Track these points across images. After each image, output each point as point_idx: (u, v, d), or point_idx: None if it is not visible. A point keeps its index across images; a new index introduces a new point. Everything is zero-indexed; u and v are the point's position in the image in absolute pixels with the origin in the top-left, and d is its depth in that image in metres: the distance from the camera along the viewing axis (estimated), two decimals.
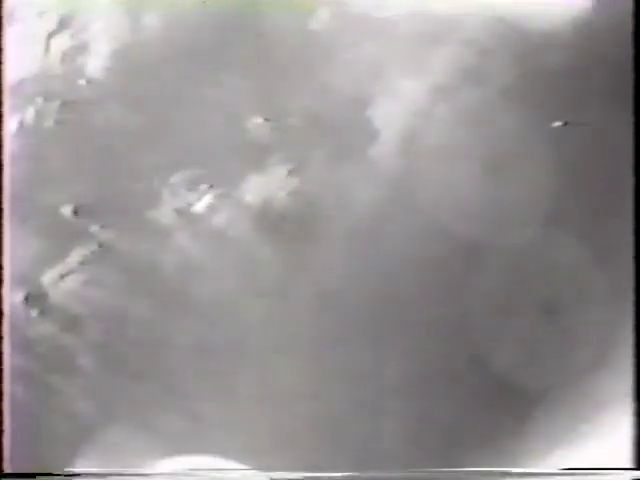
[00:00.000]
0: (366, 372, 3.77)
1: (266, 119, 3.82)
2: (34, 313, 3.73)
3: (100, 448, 3.69)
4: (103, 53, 3.79)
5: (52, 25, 3.76)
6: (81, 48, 3.78)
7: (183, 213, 3.81)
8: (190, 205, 3.81)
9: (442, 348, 3.77)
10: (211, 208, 3.80)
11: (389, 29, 3.83)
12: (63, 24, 3.77)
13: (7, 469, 3.69)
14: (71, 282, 3.76)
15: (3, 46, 3.75)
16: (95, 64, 3.79)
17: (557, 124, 3.79)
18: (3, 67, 3.74)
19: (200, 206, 3.80)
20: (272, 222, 3.82)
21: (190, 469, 3.67)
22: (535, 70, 3.84)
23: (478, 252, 3.81)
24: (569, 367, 3.76)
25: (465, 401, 3.76)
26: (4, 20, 3.75)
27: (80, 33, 3.77)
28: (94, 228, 3.78)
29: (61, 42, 3.77)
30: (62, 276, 3.74)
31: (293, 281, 3.80)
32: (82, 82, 3.77)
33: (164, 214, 3.80)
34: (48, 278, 3.76)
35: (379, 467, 3.72)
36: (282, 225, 3.82)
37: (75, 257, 3.76)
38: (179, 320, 3.77)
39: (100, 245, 3.78)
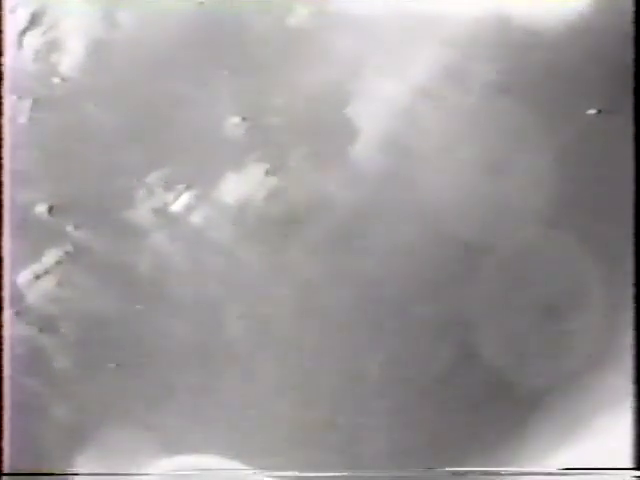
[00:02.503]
0: (353, 372, 3.73)
1: (244, 118, 3.80)
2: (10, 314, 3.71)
3: (79, 447, 3.64)
4: (77, 51, 3.79)
5: (24, 22, 3.77)
6: (54, 45, 3.78)
7: (160, 213, 3.78)
8: (167, 205, 3.78)
9: (440, 348, 3.75)
10: (188, 208, 3.77)
11: (369, 27, 3.83)
12: (35, 21, 3.78)
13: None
14: (46, 283, 3.72)
15: (3, 44, 3.77)
16: (69, 62, 3.78)
17: (591, 111, 3.78)
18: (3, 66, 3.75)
19: (177, 206, 3.77)
20: (251, 222, 3.79)
21: (190, 469, 3.66)
22: (521, 70, 3.82)
23: (464, 251, 3.79)
24: (569, 367, 3.75)
25: (464, 401, 3.73)
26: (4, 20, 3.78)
27: (53, 30, 3.77)
28: (69, 228, 3.75)
29: (33, 39, 3.77)
30: (38, 277, 3.71)
31: (273, 282, 3.76)
32: (56, 80, 3.77)
33: (141, 214, 3.77)
34: (23, 279, 3.73)
35: (375, 467, 3.69)
36: (261, 225, 3.78)
37: (50, 257, 3.74)
38: (157, 321, 3.73)
39: (75, 245, 3.74)
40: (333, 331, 3.74)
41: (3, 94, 3.73)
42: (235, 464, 3.67)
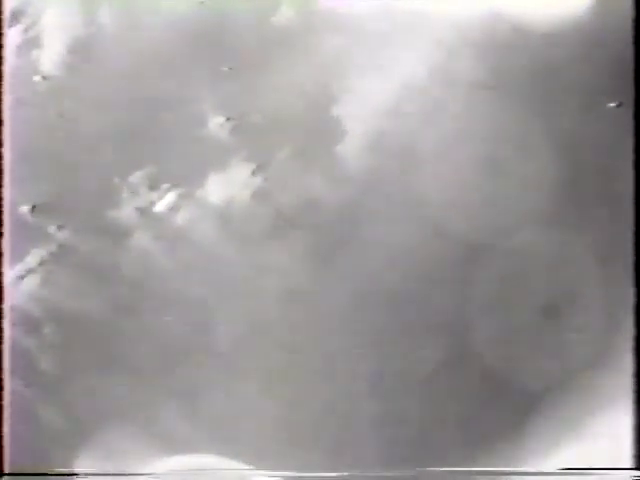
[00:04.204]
0: (340, 371, 3.70)
1: (228, 118, 3.79)
2: None
3: (62, 447, 3.60)
4: (59, 48, 3.81)
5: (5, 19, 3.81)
6: (35, 43, 3.81)
7: (144, 213, 3.76)
8: (151, 205, 3.76)
9: (439, 348, 3.72)
10: (173, 208, 3.75)
11: (356, 26, 3.83)
12: (16, 18, 3.81)
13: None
14: (29, 284, 3.70)
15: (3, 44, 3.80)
16: (51, 60, 3.80)
17: (612, 105, 3.77)
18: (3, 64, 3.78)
19: (162, 206, 3.75)
20: (236, 222, 3.76)
21: (190, 469, 3.64)
22: (507, 69, 3.81)
23: (458, 250, 3.76)
24: (569, 367, 3.73)
25: (465, 401, 3.71)
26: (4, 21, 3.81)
27: (34, 27, 3.80)
28: (52, 228, 3.74)
29: (14, 36, 3.80)
30: (21, 277, 3.69)
31: (258, 282, 3.74)
32: (37, 78, 3.79)
33: (125, 214, 3.75)
34: (6, 279, 3.72)
35: (372, 467, 3.66)
36: (246, 225, 3.75)
37: (34, 258, 3.72)
38: (141, 322, 3.70)
39: (59, 246, 3.73)
40: (323, 330, 3.71)
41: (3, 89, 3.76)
42: (235, 464, 3.65)
